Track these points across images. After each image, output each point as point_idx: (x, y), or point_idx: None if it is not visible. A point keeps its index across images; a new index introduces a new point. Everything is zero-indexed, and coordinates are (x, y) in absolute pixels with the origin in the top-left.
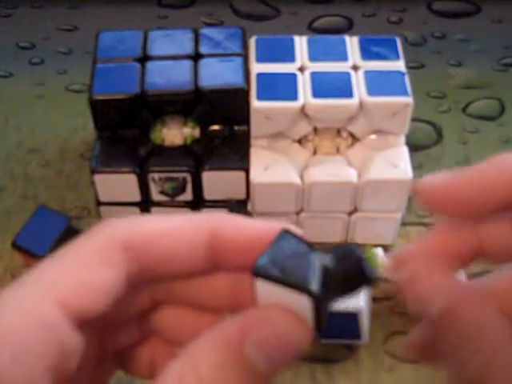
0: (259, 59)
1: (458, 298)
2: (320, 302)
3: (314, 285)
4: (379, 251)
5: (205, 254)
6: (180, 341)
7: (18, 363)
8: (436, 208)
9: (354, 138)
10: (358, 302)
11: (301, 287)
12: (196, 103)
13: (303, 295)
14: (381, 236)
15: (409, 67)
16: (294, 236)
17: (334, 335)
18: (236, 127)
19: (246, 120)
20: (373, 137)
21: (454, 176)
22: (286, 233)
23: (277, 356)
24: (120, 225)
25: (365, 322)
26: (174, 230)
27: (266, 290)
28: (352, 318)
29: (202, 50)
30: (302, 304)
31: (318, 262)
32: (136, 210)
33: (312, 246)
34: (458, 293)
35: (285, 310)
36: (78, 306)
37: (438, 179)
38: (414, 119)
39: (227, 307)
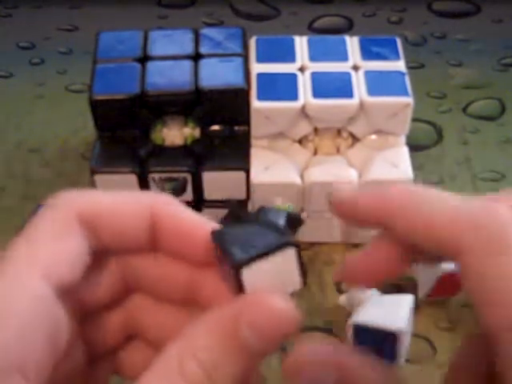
0: (259, 59)
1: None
2: (299, 249)
3: (286, 237)
4: (278, 200)
5: (147, 232)
6: (161, 341)
7: (22, 337)
8: (343, 219)
9: (355, 138)
10: (399, 322)
11: (281, 245)
12: (196, 103)
13: (286, 250)
14: None
15: (409, 67)
16: (226, 228)
17: (369, 351)
18: (236, 127)
19: (246, 120)
20: (373, 137)
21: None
22: (219, 231)
23: (269, 336)
24: (73, 199)
25: (404, 344)
26: (120, 204)
27: (252, 275)
28: (390, 338)
29: (202, 50)
30: (287, 262)
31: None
32: None
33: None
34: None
35: (273, 293)
36: (57, 277)
37: (343, 193)
38: (415, 119)
39: (184, 300)
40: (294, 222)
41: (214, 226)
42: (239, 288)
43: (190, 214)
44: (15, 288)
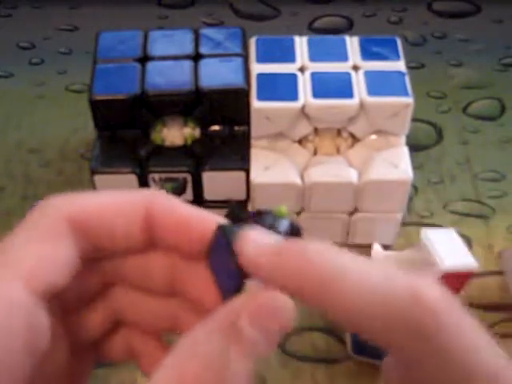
0: (259, 59)
1: None
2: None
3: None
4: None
5: (141, 229)
6: (141, 322)
7: None
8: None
9: (355, 139)
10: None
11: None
12: (196, 103)
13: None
14: (381, 236)
15: (409, 67)
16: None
17: (366, 353)
18: (236, 127)
19: (246, 120)
20: (373, 137)
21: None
22: (223, 226)
23: (269, 327)
24: (61, 202)
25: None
26: (111, 205)
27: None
28: None
29: (202, 50)
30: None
31: None
32: None
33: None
34: None
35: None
36: (41, 282)
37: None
38: (415, 119)
39: (164, 289)
40: (295, 232)
41: (212, 218)
42: (238, 286)
43: (186, 207)
44: None
